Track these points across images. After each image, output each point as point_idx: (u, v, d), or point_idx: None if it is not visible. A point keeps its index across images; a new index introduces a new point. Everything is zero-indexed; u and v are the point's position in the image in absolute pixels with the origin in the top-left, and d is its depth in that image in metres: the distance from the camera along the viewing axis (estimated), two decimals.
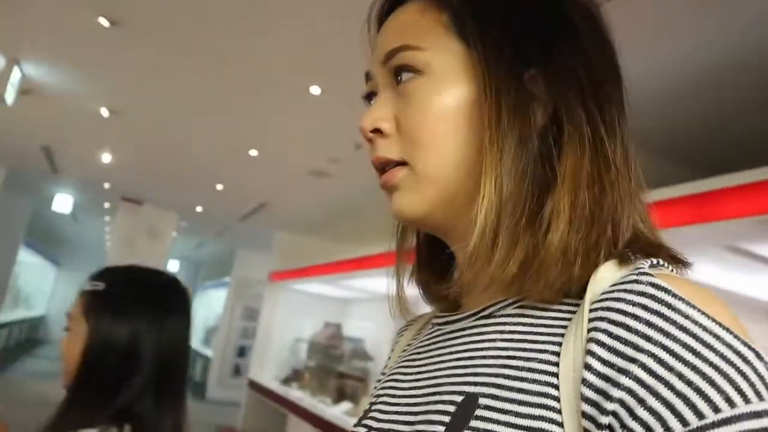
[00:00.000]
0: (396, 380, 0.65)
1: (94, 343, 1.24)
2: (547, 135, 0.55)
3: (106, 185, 8.19)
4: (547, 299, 0.53)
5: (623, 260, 0.51)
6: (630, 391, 0.43)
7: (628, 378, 0.43)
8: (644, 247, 0.53)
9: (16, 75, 4.36)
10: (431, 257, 0.70)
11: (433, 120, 0.56)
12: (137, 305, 1.29)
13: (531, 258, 0.52)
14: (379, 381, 0.71)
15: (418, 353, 0.65)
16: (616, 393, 0.43)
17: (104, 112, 5.03)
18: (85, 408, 1.20)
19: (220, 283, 13.97)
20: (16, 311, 13.44)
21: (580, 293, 0.51)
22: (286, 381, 7.57)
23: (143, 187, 8.04)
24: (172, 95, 4.51)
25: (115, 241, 9.08)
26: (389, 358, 0.77)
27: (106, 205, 9.96)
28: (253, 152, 5.41)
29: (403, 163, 0.58)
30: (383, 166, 0.60)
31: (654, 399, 0.42)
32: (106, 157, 6.61)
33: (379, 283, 5.54)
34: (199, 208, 8.74)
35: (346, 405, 5.87)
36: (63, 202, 9.52)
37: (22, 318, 14.33)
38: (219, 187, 7.07)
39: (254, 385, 8.04)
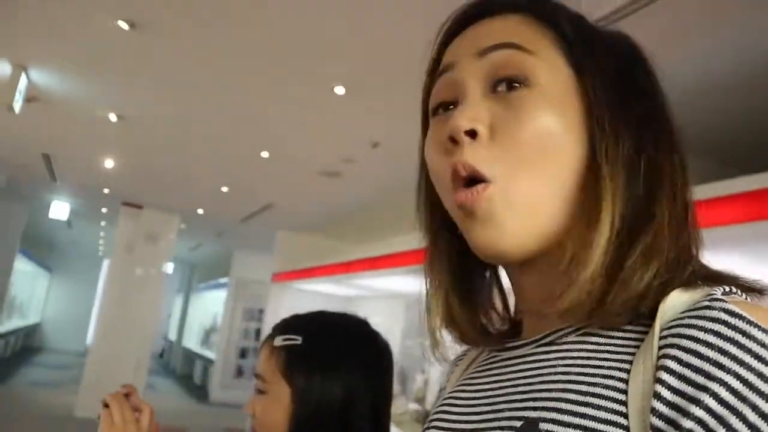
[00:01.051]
0: (451, 404, 0.63)
1: (306, 406, 1.08)
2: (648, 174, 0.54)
3: (106, 190, 8.07)
4: (615, 326, 0.52)
5: (692, 287, 0.49)
6: (700, 422, 0.41)
7: (698, 408, 0.42)
8: (711, 274, 0.52)
9: (23, 82, 4.25)
10: (465, 289, 0.66)
11: (543, 136, 0.53)
12: (345, 357, 1.13)
13: (614, 289, 0.51)
14: (434, 406, 0.69)
15: (474, 378, 0.64)
16: (687, 423, 0.42)
17: (112, 117, 4.93)
18: None
19: (216, 285, 13.88)
20: (12, 320, 13.26)
21: (646, 319, 0.50)
22: None
23: (145, 192, 7.94)
24: (184, 98, 4.43)
25: (114, 246, 8.96)
26: (447, 382, 0.75)
27: (104, 210, 9.83)
28: (265, 154, 5.34)
29: (487, 182, 0.53)
30: (466, 178, 0.54)
31: (725, 431, 0.40)
32: (109, 163, 6.51)
33: (386, 281, 5.53)
34: (200, 211, 8.65)
35: None
36: (60, 209, 9.39)
37: (18, 327, 14.14)
38: (224, 189, 6.99)
39: None
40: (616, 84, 0.56)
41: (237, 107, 4.44)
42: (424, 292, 0.65)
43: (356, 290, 7.29)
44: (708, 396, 0.41)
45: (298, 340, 1.12)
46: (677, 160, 0.56)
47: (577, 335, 0.54)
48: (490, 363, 0.63)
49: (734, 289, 0.49)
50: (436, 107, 0.60)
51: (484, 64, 0.56)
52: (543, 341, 0.57)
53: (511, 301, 0.68)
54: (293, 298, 8.38)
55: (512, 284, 0.64)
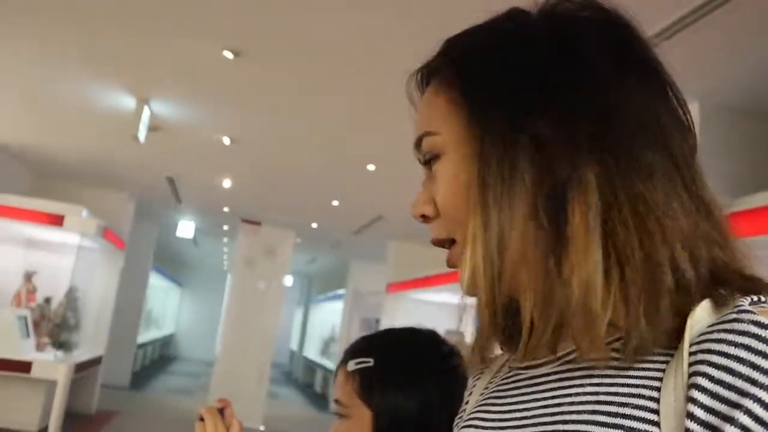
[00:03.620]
0: (476, 426, 0.62)
1: (386, 426, 1.09)
2: (557, 193, 0.51)
3: (226, 209, 8.51)
4: (601, 357, 0.50)
5: (717, 298, 0.48)
6: None
7: (733, 426, 0.41)
8: (737, 281, 0.50)
9: (146, 114, 4.58)
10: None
11: (455, 198, 0.58)
12: (417, 371, 1.11)
13: (555, 319, 0.51)
14: (455, 426, 0.69)
15: (498, 398, 0.62)
16: None
17: (226, 141, 5.19)
18: None
19: (333, 296, 14.22)
20: (150, 331, 14.28)
21: (673, 338, 0.48)
22: None
23: (261, 209, 8.30)
24: (289, 119, 4.58)
25: (235, 261, 9.41)
26: (466, 403, 0.73)
27: (225, 227, 10.37)
28: (371, 167, 5.41)
29: (453, 241, 0.60)
30: (441, 245, 0.62)
31: None
32: (227, 183, 6.86)
33: None
34: (314, 225, 8.91)
35: None
36: (186, 228, 10.02)
37: (155, 338, 15.21)
38: (335, 203, 7.16)
39: None
40: (515, 107, 0.54)
41: (340, 124, 4.54)
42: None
43: (471, 298, 7.19)
44: (742, 413, 0.41)
45: (370, 362, 1.12)
46: (628, 155, 0.51)
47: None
48: (514, 381, 0.62)
49: (763, 298, 0.47)
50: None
51: (419, 153, 0.64)
52: (567, 358, 0.56)
53: None
54: (408, 307, 8.42)
55: None
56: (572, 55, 0.54)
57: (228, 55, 3.48)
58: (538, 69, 0.55)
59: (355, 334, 12.07)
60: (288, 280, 16.62)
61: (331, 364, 12.63)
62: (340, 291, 13.02)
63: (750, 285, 0.49)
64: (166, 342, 18.09)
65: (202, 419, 1.07)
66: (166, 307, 17.64)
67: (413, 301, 8.32)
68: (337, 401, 1.13)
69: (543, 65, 0.55)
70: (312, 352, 15.79)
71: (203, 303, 19.44)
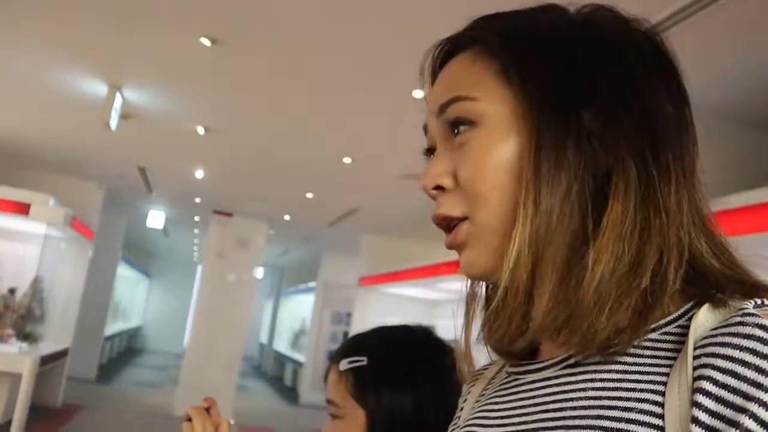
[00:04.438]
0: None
1: (382, 426, 1.06)
2: (596, 183, 0.53)
3: (197, 200, 8.40)
4: (593, 353, 0.51)
5: (722, 300, 0.48)
6: None
7: (738, 430, 0.40)
8: (735, 286, 0.50)
9: (118, 101, 4.46)
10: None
11: (491, 172, 0.55)
12: (411, 370, 1.09)
13: (565, 310, 0.51)
14: (453, 429, 0.69)
15: (497, 403, 0.61)
16: None
17: (200, 130, 5.10)
18: None
19: (305, 289, 14.17)
20: (117, 323, 14.06)
21: (675, 335, 0.49)
22: None
23: (234, 200, 8.20)
24: (266, 108, 4.52)
25: (206, 252, 9.30)
26: (461, 410, 0.72)
27: (197, 218, 10.24)
28: (347, 159, 5.38)
29: (465, 219, 0.57)
30: (447, 224, 0.58)
31: None
32: (199, 173, 6.76)
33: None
34: (287, 217, 8.84)
35: None
36: (156, 218, 9.86)
37: (122, 330, 14.99)
38: (309, 195, 7.11)
39: None
40: (567, 92, 0.55)
41: (317, 115, 4.49)
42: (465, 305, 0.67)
43: (443, 294, 7.23)
44: (747, 417, 0.40)
45: (363, 360, 1.09)
46: (656, 159, 0.53)
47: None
48: (513, 386, 0.61)
49: (766, 301, 0.47)
50: (426, 154, 0.64)
51: (441, 120, 0.59)
52: (567, 362, 0.55)
53: None
54: (380, 301, 8.42)
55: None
56: (615, 58, 0.56)
57: (205, 42, 3.40)
58: (586, 63, 0.56)
59: (326, 327, 12.05)
60: (259, 272, 16.55)
61: (301, 357, 12.59)
62: (311, 284, 12.98)
63: (749, 288, 0.50)
64: (134, 334, 17.86)
65: (189, 419, 1.04)
66: (134, 299, 17.39)
67: (385, 294, 8.32)
68: (329, 401, 1.10)
69: (590, 60, 0.56)
70: (282, 345, 15.73)
71: (172, 294, 19.21)
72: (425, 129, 0.63)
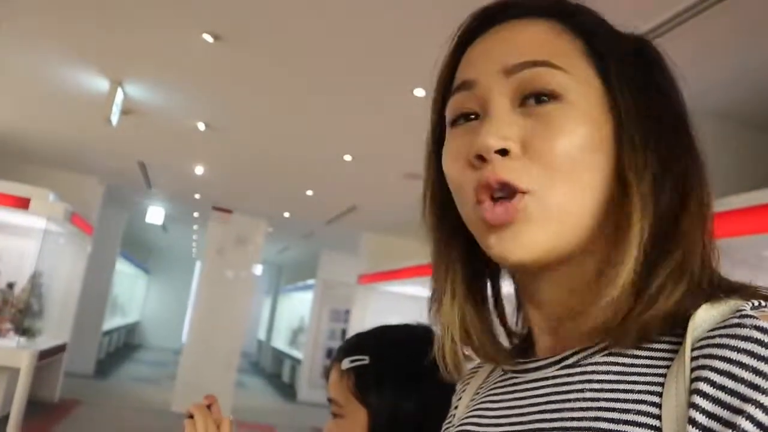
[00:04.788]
0: (471, 431, 0.61)
1: (383, 426, 1.05)
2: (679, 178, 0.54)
3: (197, 196, 8.39)
4: (639, 344, 0.51)
5: (719, 301, 0.48)
6: None
7: None
8: (732, 286, 0.51)
9: (119, 96, 4.46)
10: (479, 299, 0.63)
11: (577, 149, 0.52)
12: (414, 370, 1.06)
13: (639, 308, 0.50)
14: (444, 431, 0.68)
15: (493, 402, 0.61)
16: None
17: (201, 126, 5.10)
18: None
19: (303, 286, 14.16)
20: (115, 319, 14.06)
21: (672, 336, 0.49)
22: None
23: (233, 196, 8.20)
24: (267, 105, 4.52)
25: (205, 249, 9.30)
26: (455, 408, 0.72)
27: (196, 214, 10.23)
28: (347, 157, 5.38)
29: (524, 193, 0.52)
30: (502, 190, 0.52)
31: None
32: (199, 170, 6.76)
33: None
34: (286, 214, 8.84)
35: None
36: (155, 214, 9.85)
37: (120, 325, 14.99)
38: (309, 192, 7.11)
39: None
40: (643, 94, 0.55)
41: (318, 113, 4.49)
42: (432, 302, 0.64)
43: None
44: (744, 419, 0.40)
45: (366, 359, 1.08)
46: (701, 172, 0.55)
47: (601, 356, 0.53)
48: (510, 385, 0.60)
49: (763, 303, 0.47)
50: (456, 117, 0.58)
51: (511, 81, 0.54)
52: (566, 362, 0.55)
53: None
54: (379, 299, 8.42)
55: (526, 298, 0.61)
56: (664, 72, 0.58)
57: (208, 38, 3.40)
58: (646, 66, 0.57)
59: (325, 324, 12.05)
60: (258, 269, 16.56)
61: (299, 354, 12.59)
62: (310, 281, 12.97)
63: (740, 288, 0.50)
64: (132, 330, 17.84)
65: (191, 416, 1.05)
66: (133, 295, 17.37)
67: (384, 292, 8.32)
68: (331, 400, 1.10)
69: (648, 64, 0.57)
70: (280, 342, 15.72)
71: (171, 290, 19.19)
72: (467, 84, 0.57)
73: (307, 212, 8.44)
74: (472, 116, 0.56)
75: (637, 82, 0.55)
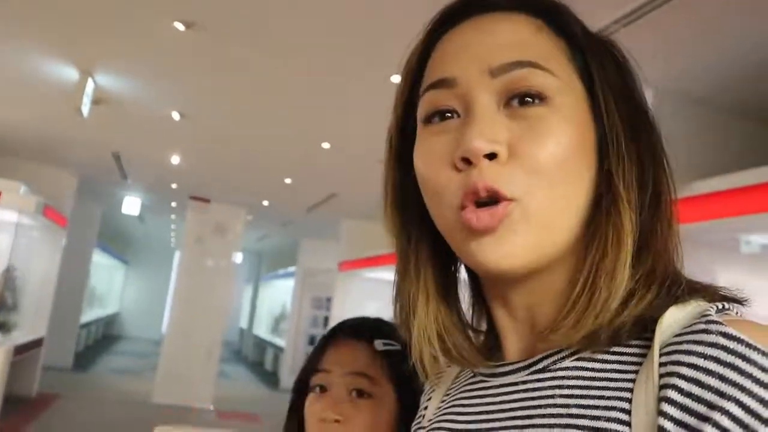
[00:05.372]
0: None
1: (409, 417, 1.05)
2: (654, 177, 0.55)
3: (174, 185, 8.28)
4: (608, 348, 0.50)
5: (684, 304, 0.48)
6: None
7: None
8: (694, 287, 0.50)
9: (90, 86, 4.36)
10: (451, 300, 0.63)
11: (563, 155, 0.51)
12: None
13: (623, 314, 0.50)
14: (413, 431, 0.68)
15: (465, 405, 0.60)
16: None
17: (175, 116, 5.01)
18: None
19: (284, 274, 14.11)
20: (93, 311, 13.90)
21: (639, 339, 0.49)
22: None
23: (211, 185, 8.11)
24: (243, 93, 4.45)
25: (183, 238, 9.21)
26: (425, 408, 0.70)
27: (173, 204, 10.11)
28: (326, 145, 5.33)
29: (508, 201, 0.50)
30: (489, 197, 0.50)
31: None
32: (175, 159, 6.66)
33: None
34: (265, 203, 8.77)
35: None
36: (131, 205, 9.71)
37: (98, 317, 14.84)
38: (287, 180, 7.05)
39: None
40: (623, 100, 0.55)
41: (295, 100, 4.43)
42: (402, 307, 0.62)
43: None
44: (710, 426, 0.40)
45: (398, 346, 1.02)
46: (670, 177, 0.55)
47: (571, 360, 0.52)
48: (480, 389, 0.59)
49: (727, 306, 0.47)
50: (431, 115, 0.55)
51: (497, 81, 0.52)
52: (535, 367, 0.54)
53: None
54: (360, 286, 8.41)
55: (494, 299, 0.59)
56: (626, 69, 0.57)
57: (179, 26, 3.32)
58: (618, 68, 0.57)
59: (306, 311, 12.03)
60: (238, 258, 16.45)
61: (281, 342, 12.57)
62: (291, 269, 12.93)
63: (702, 289, 0.50)
64: (111, 321, 17.68)
65: None
66: (111, 286, 17.20)
67: (365, 279, 8.32)
68: (363, 374, 1.02)
69: (618, 66, 0.57)
70: (262, 330, 15.68)
71: (150, 281, 19.01)
72: (446, 82, 0.54)
73: (286, 200, 8.38)
74: (449, 114, 0.54)
75: (616, 87, 0.55)
